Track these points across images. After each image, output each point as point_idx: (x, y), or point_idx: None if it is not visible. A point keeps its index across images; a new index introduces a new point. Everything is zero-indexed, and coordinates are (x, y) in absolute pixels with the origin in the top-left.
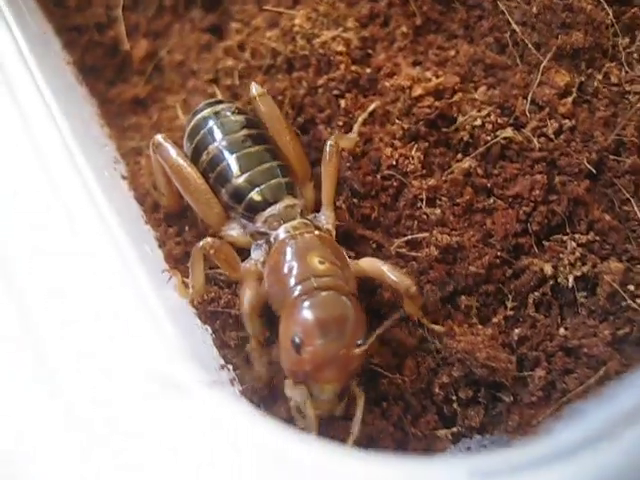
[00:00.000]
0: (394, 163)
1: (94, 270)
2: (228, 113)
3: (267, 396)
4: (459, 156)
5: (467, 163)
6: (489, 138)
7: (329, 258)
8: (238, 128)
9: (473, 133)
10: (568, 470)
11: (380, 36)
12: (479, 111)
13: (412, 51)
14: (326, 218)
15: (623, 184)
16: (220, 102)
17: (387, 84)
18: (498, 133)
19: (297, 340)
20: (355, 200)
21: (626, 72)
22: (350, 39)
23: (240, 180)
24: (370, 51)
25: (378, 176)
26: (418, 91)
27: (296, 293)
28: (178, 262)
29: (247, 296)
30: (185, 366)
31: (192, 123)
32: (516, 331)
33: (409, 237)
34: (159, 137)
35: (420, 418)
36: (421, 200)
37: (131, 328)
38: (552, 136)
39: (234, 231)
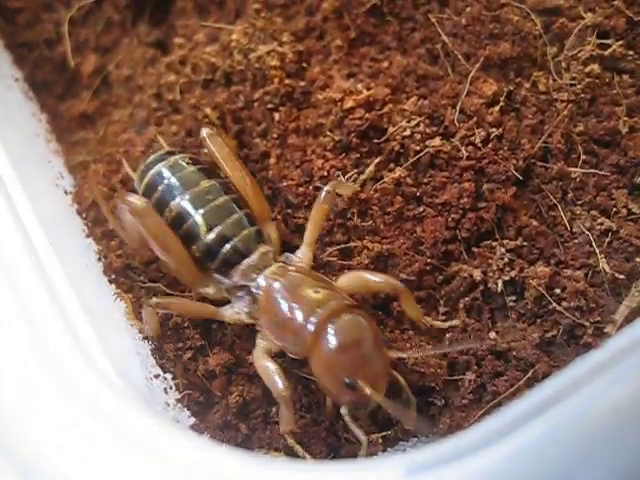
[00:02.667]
0: (326, 174)
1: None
2: (183, 165)
3: (203, 403)
4: (391, 166)
5: (397, 173)
6: (418, 148)
7: (319, 285)
8: (197, 181)
9: (403, 143)
10: (494, 455)
11: (315, 49)
12: (409, 121)
13: (346, 63)
14: (302, 255)
15: (550, 190)
16: (171, 153)
17: (320, 97)
18: (427, 143)
19: (349, 381)
20: (289, 210)
21: (554, 80)
22: (285, 53)
23: (210, 237)
24: (305, 64)
25: (310, 187)
26: (349, 103)
27: (311, 328)
28: (118, 274)
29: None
30: (115, 380)
31: (146, 179)
32: (447, 336)
33: (341, 246)
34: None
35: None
36: (352, 212)
37: (63, 341)
38: (480, 145)
39: (210, 289)
